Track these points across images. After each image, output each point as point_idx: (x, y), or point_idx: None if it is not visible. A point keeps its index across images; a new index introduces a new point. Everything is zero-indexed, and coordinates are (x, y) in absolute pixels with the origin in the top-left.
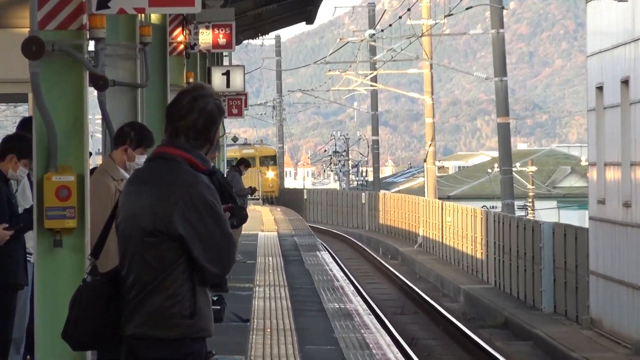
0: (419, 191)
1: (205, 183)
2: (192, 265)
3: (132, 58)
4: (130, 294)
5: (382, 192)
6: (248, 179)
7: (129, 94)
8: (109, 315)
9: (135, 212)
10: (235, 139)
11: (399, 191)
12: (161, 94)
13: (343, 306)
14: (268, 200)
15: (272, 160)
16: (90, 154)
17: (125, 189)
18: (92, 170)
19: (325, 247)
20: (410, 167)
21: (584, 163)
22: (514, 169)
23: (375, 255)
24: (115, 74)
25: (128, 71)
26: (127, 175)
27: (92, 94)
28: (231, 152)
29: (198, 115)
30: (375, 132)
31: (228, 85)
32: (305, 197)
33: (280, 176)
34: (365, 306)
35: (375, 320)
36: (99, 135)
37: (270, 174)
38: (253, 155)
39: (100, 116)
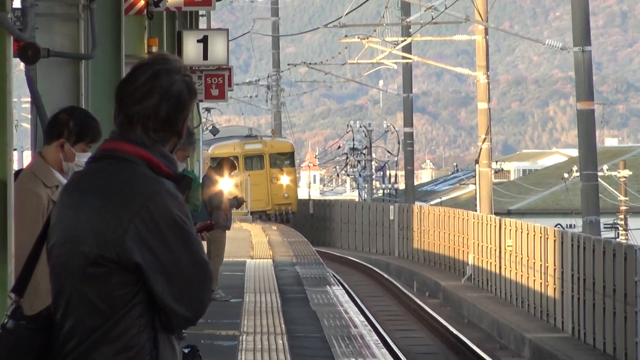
0: (469, 204)
1: (171, 193)
2: (154, 305)
3: (74, 19)
4: (68, 345)
5: (417, 204)
6: (252, 187)
7: (69, 68)
8: None
9: (74, 233)
10: (215, 130)
11: (440, 203)
12: (113, 68)
13: None
14: (281, 218)
15: (288, 159)
16: (15, 150)
17: (59, 200)
18: (17, 174)
19: (338, 280)
20: (457, 171)
21: None
22: (599, 174)
23: (407, 292)
24: (51, 40)
25: (68, 37)
26: (64, 181)
27: (18, 67)
28: (222, 149)
29: (160, 98)
30: (408, 122)
31: (206, 56)
32: (310, 211)
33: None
34: None
35: None
36: (27, 125)
37: (285, 179)
38: (260, 151)
39: (29, 98)
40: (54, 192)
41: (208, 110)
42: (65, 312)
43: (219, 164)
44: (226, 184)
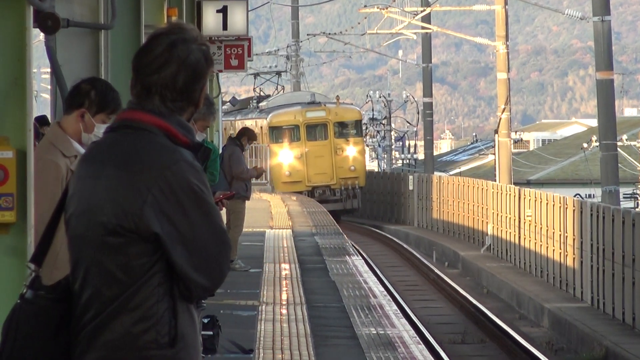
0: (488, 174)
1: (189, 162)
2: (172, 274)
3: None
4: (87, 315)
5: (436, 174)
6: (315, 159)
7: (89, 39)
8: (58, 345)
9: (92, 203)
10: (234, 101)
11: (459, 174)
12: (132, 39)
13: (382, 332)
14: (347, 193)
15: (355, 127)
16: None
17: (77, 170)
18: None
19: (357, 250)
20: (476, 141)
21: None
22: (619, 144)
23: (427, 262)
24: (70, 10)
25: (87, 7)
26: (83, 151)
27: (37, 37)
28: (282, 117)
29: (177, 68)
30: (427, 92)
31: (225, 26)
32: None
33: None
34: (412, 332)
35: (427, 352)
36: (47, 96)
37: (351, 150)
38: (324, 120)
39: (49, 69)
40: (73, 162)
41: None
42: (84, 282)
43: (239, 133)
44: (286, 156)
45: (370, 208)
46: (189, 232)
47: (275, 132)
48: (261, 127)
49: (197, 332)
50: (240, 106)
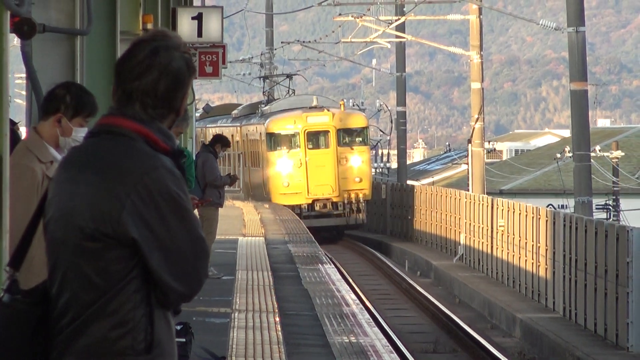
0: (461, 183)
1: (168, 168)
2: (150, 281)
3: None
4: (64, 319)
5: (409, 183)
6: (316, 169)
7: (65, 44)
8: (34, 349)
9: (71, 207)
10: (208, 108)
11: (432, 183)
12: (108, 45)
13: (355, 340)
14: (350, 207)
15: (360, 135)
16: (13, 124)
17: (57, 175)
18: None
19: (329, 258)
20: (449, 150)
21: None
22: (592, 154)
23: (399, 271)
24: (46, 16)
25: (64, 13)
26: (59, 157)
27: (13, 42)
28: (280, 123)
29: (159, 74)
30: (401, 101)
31: (200, 33)
32: None
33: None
34: (385, 341)
35: None
36: (21, 102)
37: (356, 160)
38: (326, 126)
39: (24, 74)
40: (49, 167)
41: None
42: (61, 286)
43: (212, 140)
44: (284, 165)
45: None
46: (166, 239)
47: (273, 139)
48: (260, 134)
49: (173, 339)
50: (243, 112)
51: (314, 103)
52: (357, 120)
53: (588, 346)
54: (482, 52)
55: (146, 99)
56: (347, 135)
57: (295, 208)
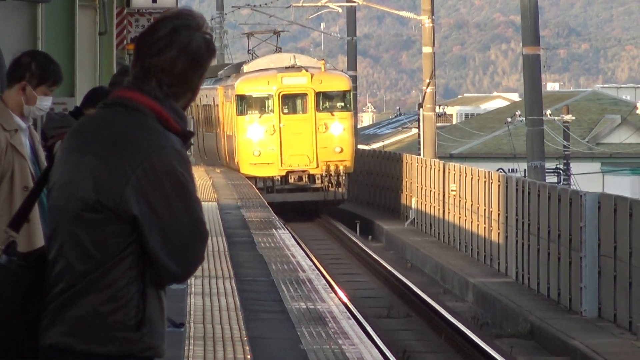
0: (411, 147)
1: (176, 148)
2: (145, 259)
3: None
4: (57, 287)
5: (359, 147)
6: (292, 136)
7: (26, 12)
8: (24, 314)
9: (75, 176)
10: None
11: (383, 147)
12: (67, 12)
13: (312, 307)
14: (329, 181)
15: (342, 99)
16: None
17: (65, 143)
18: None
19: (282, 224)
20: (400, 114)
21: None
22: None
23: (350, 236)
24: None
25: None
26: (24, 125)
27: None
28: (252, 84)
29: (178, 52)
30: (352, 65)
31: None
32: None
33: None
34: (342, 307)
35: (357, 327)
36: None
37: (337, 127)
38: (304, 88)
39: None
40: (13, 135)
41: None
42: (58, 253)
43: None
44: (255, 132)
45: None
46: (167, 218)
47: (244, 102)
48: (230, 97)
49: (164, 319)
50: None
51: (291, 62)
52: (339, 83)
53: (541, 311)
54: (433, 17)
55: (162, 76)
56: (328, 100)
57: (267, 180)
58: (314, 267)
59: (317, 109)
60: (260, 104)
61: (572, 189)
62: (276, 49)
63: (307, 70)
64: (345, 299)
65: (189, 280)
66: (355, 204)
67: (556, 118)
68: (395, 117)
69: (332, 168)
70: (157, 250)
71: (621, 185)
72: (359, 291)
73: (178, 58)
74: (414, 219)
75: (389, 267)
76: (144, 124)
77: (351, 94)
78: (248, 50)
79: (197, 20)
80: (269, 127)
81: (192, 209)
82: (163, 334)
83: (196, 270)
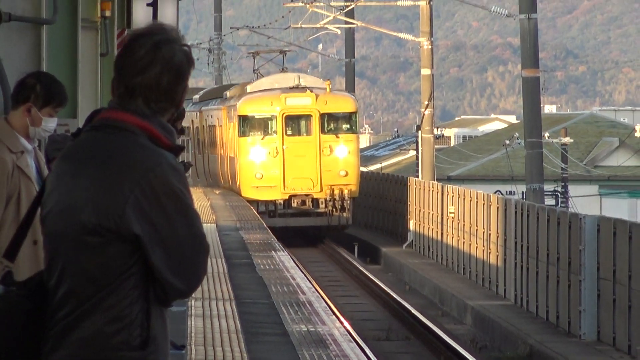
0: (409, 169)
1: (172, 165)
2: (148, 277)
3: None
4: (60, 312)
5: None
6: (295, 159)
7: (31, 33)
8: (27, 341)
9: (73, 201)
10: None
11: (380, 169)
12: (70, 33)
13: (313, 329)
14: (333, 205)
15: (348, 121)
16: None
17: (56, 168)
18: None
19: (281, 246)
20: (398, 136)
21: (639, 134)
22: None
23: (348, 258)
24: (12, 4)
25: (29, 1)
26: (30, 146)
27: None
28: (255, 104)
29: (162, 68)
30: (350, 87)
31: (155, 20)
32: None
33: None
34: (343, 329)
35: (358, 350)
36: None
37: (343, 149)
38: (309, 110)
39: None
40: (19, 157)
41: None
42: (60, 279)
43: None
44: (258, 154)
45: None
46: (169, 235)
47: (246, 123)
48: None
49: (167, 337)
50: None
51: (295, 82)
52: (345, 104)
53: (540, 334)
54: (432, 39)
55: (149, 93)
56: (333, 121)
57: (269, 204)
58: (313, 289)
59: (322, 130)
60: (263, 125)
61: (571, 212)
62: (282, 69)
63: (311, 91)
64: (346, 323)
65: (189, 302)
66: (353, 226)
67: (554, 140)
68: (393, 138)
69: (336, 192)
70: (161, 268)
71: (619, 208)
72: (358, 313)
73: (162, 74)
74: (412, 241)
75: (387, 290)
76: (136, 144)
77: (357, 115)
78: (254, 70)
79: (173, 33)
80: (272, 149)
81: (192, 222)
82: (167, 352)
83: (199, 284)
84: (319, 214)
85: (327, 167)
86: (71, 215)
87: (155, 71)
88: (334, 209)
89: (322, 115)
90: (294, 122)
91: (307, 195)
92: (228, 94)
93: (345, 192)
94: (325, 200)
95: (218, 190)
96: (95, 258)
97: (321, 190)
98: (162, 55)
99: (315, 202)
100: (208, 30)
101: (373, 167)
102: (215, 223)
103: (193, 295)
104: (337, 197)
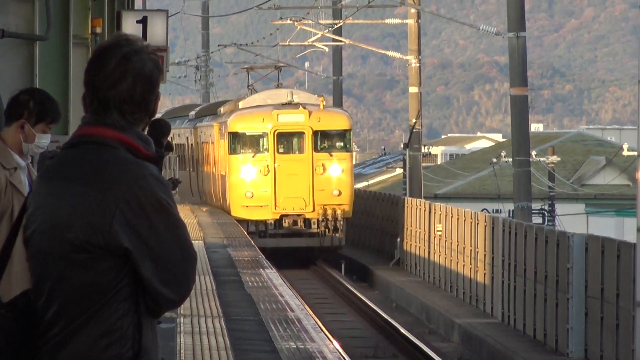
0: (396, 187)
1: (155, 176)
2: (138, 289)
3: (29, 0)
4: (52, 330)
5: None
6: (287, 178)
7: (24, 49)
8: None
9: (58, 220)
10: None
11: (367, 187)
12: (62, 49)
13: (302, 346)
14: (326, 226)
15: (342, 139)
16: None
17: (37, 187)
18: None
19: (269, 264)
20: (385, 154)
21: (626, 152)
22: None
23: (335, 276)
24: (5, 21)
25: (22, 18)
26: (23, 163)
27: None
28: (246, 121)
29: (134, 80)
30: (337, 104)
31: (145, 37)
32: None
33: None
34: (332, 346)
35: None
36: None
37: (336, 169)
38: (301, 127)
39: None
40: (12, 174)
41: None
42: (49, 298)
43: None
44: (248, 172)
45: None
46: (157, 247)
47: (237, 140)
48: (224, 134)
49: (158, 349)
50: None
51: (288, 98)
52: (339, 121)
53: (528, 352)
54: (420, 57)
55: (124, 105)
56: (326, 139)
57: (259, 224)
58: (302, 306)
59: (315, 148)
60: (254, 142)
61: (559, 230)
62: (277, 85)
63: (304, 107)
64: (335, 342)
65: (178, 319)
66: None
67: (541, 159)
68: (380, 156)
69: (329, 212)
70: (151, 279)
71: (605, 226)
72: (345, 331)
73: (135, 85)
74: (399, 258)
75: (374, 307)
76: (117, 157)
77: (351, 133)
78: (247, 86)
79: (139, 43)
80: (263, 167)
81: (179, 232)
82: None
83: (189, 293)
84: (311, 235)
85: (320, 187)
86: (57, 234)
87: (127, 83)
88: (327, 230)
89: (315, 133)
90: (286, 140)
91: (298, 215)
92: (221, 110)
93: (339, 212)
94: (318, 220)
95: (205, 207)
96: (85, 275)
97: (313, 210)
98: (133, 66)
99: (307, 222)
100: (195, 48)
101: (359, 185)
102: (203, 240)
103: (182, 312)
104: (329, 218)
